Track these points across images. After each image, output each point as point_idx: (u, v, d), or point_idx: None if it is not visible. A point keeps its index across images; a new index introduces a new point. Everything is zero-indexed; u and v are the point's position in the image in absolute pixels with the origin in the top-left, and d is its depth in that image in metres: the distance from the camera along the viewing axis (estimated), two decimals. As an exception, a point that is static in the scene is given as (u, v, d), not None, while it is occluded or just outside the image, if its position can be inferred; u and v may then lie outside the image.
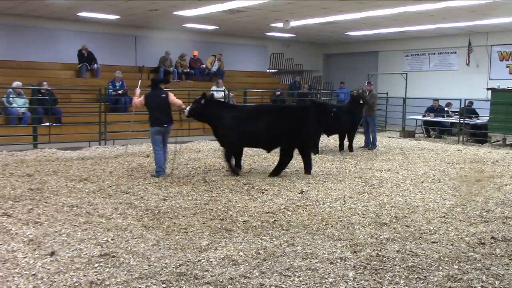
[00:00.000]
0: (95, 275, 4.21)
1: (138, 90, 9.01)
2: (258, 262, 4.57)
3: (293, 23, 16.36)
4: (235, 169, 8.86)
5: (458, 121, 15.34)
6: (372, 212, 6.46)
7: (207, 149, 12.23)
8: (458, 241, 5.34)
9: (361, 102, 12.44)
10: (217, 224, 5.78)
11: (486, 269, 4.51)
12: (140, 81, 9.40)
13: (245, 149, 10.86)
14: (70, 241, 5.09)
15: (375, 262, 4.63)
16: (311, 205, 6.76)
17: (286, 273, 4.32)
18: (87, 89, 14.85)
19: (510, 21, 15.51)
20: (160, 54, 18.06)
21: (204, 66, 19.00)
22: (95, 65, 16.47)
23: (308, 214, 6.34)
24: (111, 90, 14.71)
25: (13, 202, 6.63)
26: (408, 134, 16.28)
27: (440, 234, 5.58)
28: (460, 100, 15.49)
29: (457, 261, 4.70)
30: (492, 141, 14.51)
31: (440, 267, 4.54)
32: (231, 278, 4.19)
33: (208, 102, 8.89)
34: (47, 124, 12.61)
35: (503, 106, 13.79)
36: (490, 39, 18.45)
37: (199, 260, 4.59)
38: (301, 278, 4.23)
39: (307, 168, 9.03)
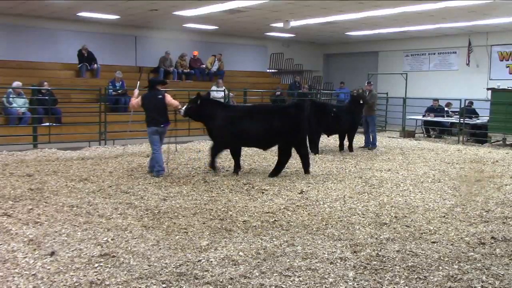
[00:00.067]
0: (95, 275, 4.21)
1: (136, 91, 9.08)
2: (258, 262, 4.57)
3: (293, 23, 16.36)
4: (216, 166, 8.98)
5: (458, 121, 15.34)
6: (372, 212, 6.46)
7: (207, 149, 12.18)
8: (458, 241, 5.34)
9: (361, 102, 12.44)
10: (217, 224, 5.78)
11: (486, 269, 4.51)
12: (139, 82, 9.44)
13: (245, 149, 10.90)
14: (70, 241, 5.09)
15: (375, 262, 4.63)
16: (311, 205, 6.76)
17: (286, 273, 4.32)
18: (87, 89, 14.85)
19: (510, 21, 15.51)
20: (160, 54, 18.06)
21: (204, 66, 19.00)
22: (95, 65, 16.47)
23: (308, 214, 6.34)
24: (111, 90, 14.71)
25: (13, 202, 6.63)
26: (408, 134, 16.28)
27: (440, 234, 5.58)
28: (460, 100, 15.49)
29: (457, 261, 4.70)
30: (492, 141, 14.51)
31: (440, 267, 4.54)
32: (231, 278, 4.19)
33: (204, 101, 8.96)
34: (47, 124, 12.62)
35: (503, 106, 13.79)
36: (490, 39, 18.45)
37: (199, 260, 4.59)
38: (301, 278, 4.23)
39: (305, 167, 9.04)
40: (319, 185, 8.12)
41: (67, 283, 4.05)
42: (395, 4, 13.21)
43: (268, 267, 4.47)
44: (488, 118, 14.64)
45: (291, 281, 4.17)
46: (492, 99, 14.50)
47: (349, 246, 5.10)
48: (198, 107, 8.88)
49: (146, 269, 4.37)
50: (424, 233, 5.62)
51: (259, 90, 17.43)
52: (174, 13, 14.88)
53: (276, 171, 8.80)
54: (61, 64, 16.60)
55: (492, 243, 5.29)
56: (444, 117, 16.47)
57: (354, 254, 4.86)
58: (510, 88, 14.40)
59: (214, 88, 16.56)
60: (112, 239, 5.15)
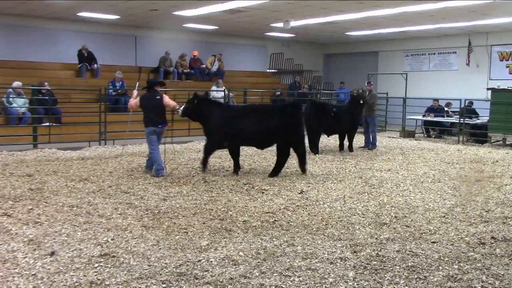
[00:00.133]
0: (95, 275, 4.21)
1: (135, 92, 9.15)
2: (258, 262, 4.57)
3: (293, 23, 16.36)
4: (205, 167, 9.02)
5: (458, 121, 15.34)
6: (372, 212, 6.46)
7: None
8: (458, 241, 5.34)
9: (361, 102, 12.44)
10: (217, 224, 5.78)
11: (486, 269, 4.51)
12: (137, 83, 9.49)
13: (245, 149, 10.92)
14: (70, 241, 5.09)
15: (375, 262, 4.63)
16: (311, 205, 6.76)
17: (286, 273, 4.32)
18: (87, 89, 14.85)
19: (510, 21, 15.51)
20: (160, 54, 18.06)
21: (204, 66, 19.00)
22: (95, 65, 16.47)
23: (308, 214, 6.34)
24: (111, 90, 14.71)
25: (13, 202, 6.63)
26: (408, 134, 16.28)
27: (440, 234, 5.58)
28: (460, 100, 15.49)
29: (457, 261, 4.70)
30: (492, 141, 14.51)
31: (440, 267, 4.54)
32: (231, 278, 4.19)
33: (200, 101, 9.01)
34: (47, 124, 12.62)
35: (503, 106, 13.79)
36: (490, 39, 18.45)
37: (199, 260, 4.59)
38: (301, 278, 4.23)
39: (302, 166, 9.01)
40: (319, 185, 8.12)
41: (67, 283, 4.05)
42: (395, 4, 13.21)
43: (268, 267, 4.47)
44: (488, 118, 14.64)
45: (291, 281, 4.17)
46: (492, 99, 14.50)
47: (349, 246, 5.10)
48: (195, 107, 8.96)
49: (146, 269, 4.37)
50: (424, 233, 5.62)
51: (259, 90, 17.43)
52: (174, 13, 14.88)
53: (276, 171, 8.81)
54: (61, 64, 16.60)
55: (492, 243, 5.29)
56: (444, 117, 16.47)
57: (354, 254, 4.86)
58: (510, 88, 14.40)
59: (214, 88, 16.57)
60: (112, 239, 5.15)
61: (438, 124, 16.51)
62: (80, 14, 15.54)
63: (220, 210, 6.40)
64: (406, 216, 6.30)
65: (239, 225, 5.79)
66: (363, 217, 6.21)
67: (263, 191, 7.57)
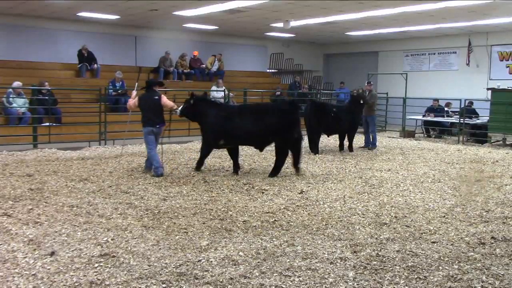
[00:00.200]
0: (95, 275, 4.21)
1: (134, 92, 9.19)
2: (258, 262, 4.57)
3: (293, 23, 16.36)
4: (200, 168, 9.03)
5: (458, 121, 15.34)
6: (372, 212, 6.46)
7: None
8: (458, 241, 5.34)
9: (361, 102, 12.43)
10: (217, 224, 5.78)
11: (486, 269, 4.51)
12: (136, 83, 9.51)
13: (245, 149, 10.92)
14: (70, 241, 5.09)
15: (375, 262, 4.63)
16: (311, 205, 6.76)
17: (286, 273, 4.32)
18: (87, 89, 14.85)
19: (510, 21, 15.52)
20: (160, 54, 18.07)
21: (204, 66, 19.00)
22: (95, 65, 16.48)
23: (308, 214, 6.34)
24: (111, 90, 14.71)
25: (13, 202, 6.63)
26: (408, 134, 16.28)
27: (440, 234, 5.58)
28: (460, 100, 15.49)
29: (457, 261, 4.70)
30: (492, 141, 14.51)
31: (440, 267, 4.54)
32: (231, 278, 4.19)
33: (197, 101, 9.03)
34: (47, 124, 12.62)
35: (503, 106, 13.80)
36: (490, 39, 18.45)
37: (199, 260, 4.59)
38: (301, 278, 4.23)
39: (295, 164, 8.96)
40: (319, 185, 8.12)
41: (67, 283, 4.05)
42: (395, 4, 13.21)
43: (268, 267, 4.47)
44: (488, 118, 14.64)
45: (291, 281, 4.17)
46: (492, 99, 14.50)
47: (349, 246, 5.10)
48: (191, 107, 8.99)
49: (146, 269, 4.37)
50: (424, 233, 5.62)
51: (259, 90, 17.43)
52: (174, 13, 14.88)
53: (276, 171, 8.80)
54: (61, 64, 16.61)
55: (492, 243, 5.29)
56: (444, 117, 16.48)
57: (354, 254, 4.86)
58: (510, 88, 14.40)
59: (214, 88, 16.57)
60: (112, 239, 5.15)
61: (438, 124, 16.51)
62: (80, 14, 15.55)
63: (220, 210, 6.40)
64: (406, 216, 6.30)
65: (239, 225, 5.79)
66: (363, 217, 6.21)
67: (263, 191, 7.57)
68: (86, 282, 4.06)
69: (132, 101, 8.98)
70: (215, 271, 4.35)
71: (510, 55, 18.29)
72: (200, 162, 9.10)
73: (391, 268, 4.49)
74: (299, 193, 7.44)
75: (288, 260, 4.65)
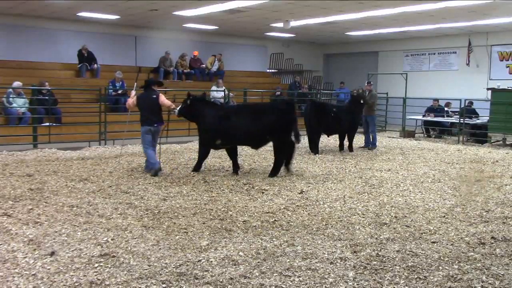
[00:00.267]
0: (95, 275, 4.21)
1: (133, 92, 9.22)
2: (258, 262, 4.57)
3: (293, 23, 16.36)
4: (198, 170, 9.00)
5: (458, 121, 15.34)
6: (372, 212, 6.46)
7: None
8: (458, 241, 5.34)
9: (361, 102, 12.43)
10: (217, 224, 5.78)
11: (486, 269, 4.51)
12: (136, 83, 9.53)
13: (245, 149, 10.92)
14: (70, 241, 5.09)
15: (375, 262, 4.63)
16: (311, 205, 6.76)
17: (286, 273, 4.32)
18: (87, 89, 14.85)
19: (510, 21, 15.52)
20: (160, 54, 18.07)
21: (204, 66, 19.01)
22: (95, 65, 16.48)
23: (308, 214, 6.34)
24: (111, 90, 14.71)
25: (13, 202, 6.63)
26: (408, 134, 16.28)
27: (440, 234, 5.58)
28: (460, 100, 15.49)
29: (457, 261, 4.70)
30: (492, 141, 14.51)
31: (440, 267, 4.54)
32: (231, 278, 4.19)
33: (194, 101, 9.05)
34: (47, 124, 12.62)
35: (503, 106, 13.80)
36: (490, 39, 18.45)
37: (199, 260, 4.59)
38: (301, 278, 4.23)
39: (287, 165, 9.00)
40: (319, 185, 8.12)
41: (67, 283, 4.05)
42: (395, 4, 13.21)
43: (268, 267, 4.47)
44: (488, 118, 14.64)
45: (291, 281, 4.17)
46: (492, 99, 14.50)
47: (349, 246, 5.10)
48: (188, 107, 9.00)
49: (146, 269, 4.37)
50: (424, 233, 5.62)
51: (259, 90, 17.43)
52: (174, 13, 14.88)
53: (275, 171, 8.80)
54: (61, 64, 16.61)
55: (492, 243, 5.29)
56: (444, 117, 16.48)
57: (354, 254, 4.85)
58: (510, 88, 14.40)
59: (214, 88, 16.58)
60: (112, 239, 5.15)
61: (438, 124, 16.51)
62: (80, 14, 15.55)
63: (220, 210, 6.40)
64: (406, 216, 6.30)
65: (239, 225, 5.78)
66: (363, 217, 6.21)
67: (263, 191, 7.57)
68: (86, 282, 4.06)
69: (131, 100, 9.00)
70: (215, 271, 4.35)
71: (510, 55, 18.29)
72: (199, 165, 9.08)
73: (391, 268, 4.49)
74: (299, 193, 7.44)
75: (288, 260, 4.65)
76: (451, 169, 9.89)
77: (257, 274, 4.31)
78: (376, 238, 5.37)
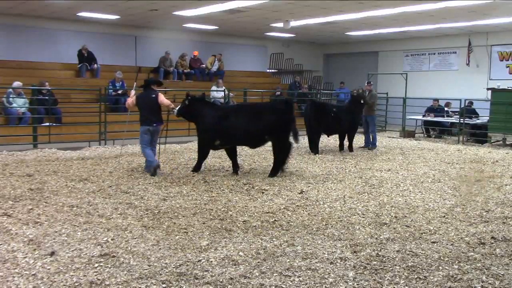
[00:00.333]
0: (95, 275, 4.21)
1: (133, 92, 9.23)
2: (258, 262, 4.57)
3: (293, 23, 16.36)
4: (198, 171, 8.99)
5: (458, 121, 15.34)
6: (372, 212, 6.46)
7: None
8: (458, 241, 5.34)
9: (361, 102, 12.43)
10: (217, 224, 5.78)
11: (486, 269, 4.51)
12: (135, 83, 9.53)
13: (245, 149, 10.92)
14: (70, 241, 5.09)
15: (375, 262, 4.63)
16: (311, 205, 6.76)
17: (286, 273, 4.32)
18: (87, 89, 14.86)
19: (510, 21, 15.52)
20: (160, 54, 18.07)
21: (204, 66, 19.01)
22: (95, 65, 16.48)
23: (308, 214, 6.34)
24: (111, 90, 14.71)
25: (13, 202, 6.63)
26: (408, 134, 16.28)
27: (440, 234, 5.58)
28: (460, 100, 15.49)
29: (457, 261, 4.70)
30: (492, 141, 14.51)
31: (440, 267, 4.54)
32: (231, 278, 4.19)
33: (192, 102, 9.06)
34: (47, 124, 12.62)
35: (503, 106, 13.80)
36: (490, 39, 18.45)
37: (199, 260, 4.59)
38: (301, 278, 4.23)
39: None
40: (319, 185, 8.12)
41: (67, 283, 4.05)
42: (395, 4, 13.21)
43: (268, 267, 4.47)
44: (488, 118, 14.64)
45: (291, 281, 4.17)
46: (492, 99, 14.50)
47: (349, 246, 5.10)
48: (187, 107, 9.01)
49: (146, 269, 4.37)
50: (424, 233, 5.62)
51: (259, 90, 17.43)
52: (174, 13, 14.88)
53: (275, 170, 8.80)
54: (61, 64, 16.61)
55: (492, 243, 5.29)
56: (444, 117, 16.48)
57: (354, 254, 4.86)
58: (510, 88, 14.40)
59: (214, 88, 16.57)
60: (112, 239, 5.15)
61: (438, 124, 16.52)
62: (80, 14, 15.55)
63: (220, 210, 6.40)
64: (406, 216, 6.30)
65: (239, 225, 5.79)
66: (363, 217, 6.21)
67: (263, 191, 7.57)
68: (86, 282, 4.06)
69: (131, 100, 9.01)
70: (215, 271, 4.35)
71: (510, 55, 18.29)
72: (199, 165, 9.07)
73: (391, 268, 4.49)
74: (299, 193, 7.44)
75: (288, 260, 4.65)
76: (451, 169, 9.89)
77: (257, 274, 4.31)
78: (376, 238, 5.37)
